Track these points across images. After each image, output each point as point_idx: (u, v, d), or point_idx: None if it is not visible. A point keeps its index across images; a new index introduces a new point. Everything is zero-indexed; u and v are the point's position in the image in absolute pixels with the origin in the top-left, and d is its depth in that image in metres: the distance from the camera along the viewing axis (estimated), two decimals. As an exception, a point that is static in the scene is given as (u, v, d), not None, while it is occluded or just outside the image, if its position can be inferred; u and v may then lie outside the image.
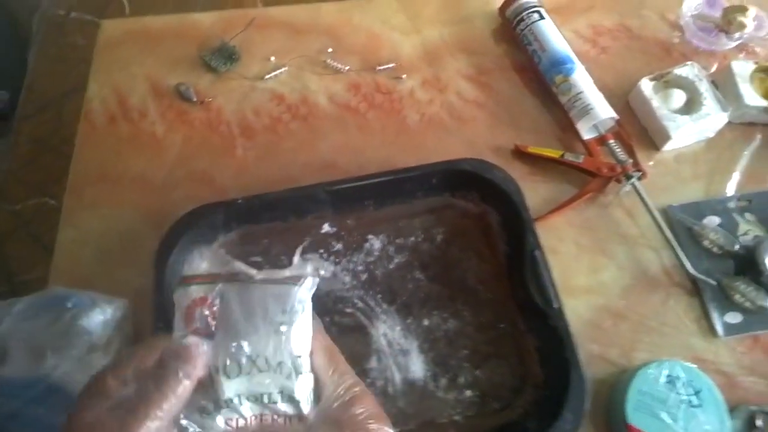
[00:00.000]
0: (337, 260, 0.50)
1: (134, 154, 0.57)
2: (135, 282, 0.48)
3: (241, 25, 0.65)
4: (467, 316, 0.48)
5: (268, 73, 0.62)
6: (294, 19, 0.66)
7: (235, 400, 0.29)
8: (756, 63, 0.59)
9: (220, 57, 0.63)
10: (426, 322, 0.48)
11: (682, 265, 0.50)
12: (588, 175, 0.54)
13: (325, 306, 0.48)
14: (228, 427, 0.29)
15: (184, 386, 0.27)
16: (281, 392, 0.30)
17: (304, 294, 0.31)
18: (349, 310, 0.48)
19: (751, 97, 0.57)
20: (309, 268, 0.32)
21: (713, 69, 0.63)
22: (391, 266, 0.50)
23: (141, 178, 0.55)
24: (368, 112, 0.60)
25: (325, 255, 0.51)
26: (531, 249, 0.47)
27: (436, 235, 0.52)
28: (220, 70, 0.62)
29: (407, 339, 0.47)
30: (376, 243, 0.51)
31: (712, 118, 0.56)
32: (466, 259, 0.50)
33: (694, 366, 0.44)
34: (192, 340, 0.29)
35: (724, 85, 0.59)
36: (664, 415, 0.43)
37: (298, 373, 0.30)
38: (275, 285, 0.31)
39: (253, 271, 0.32)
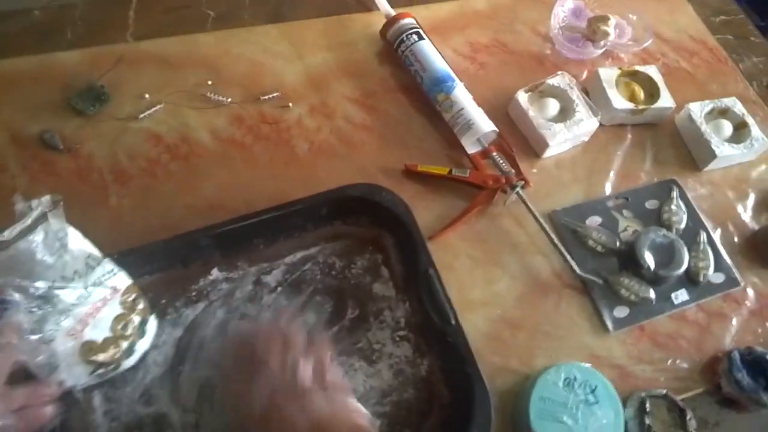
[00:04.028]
0: (232, 305, 0.48)
1: (-9, 213, 0.51)
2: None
3: (109, 63, 0.61)
4: (370, 344, 0.47)
5: (142, 112, 0.58)
6: (168, 53, 0.62)
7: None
8: (620, 69, 0.64)
9: (88, 98, 0.58)
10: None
11: (570, 267, 0.52)
12: (476, 189, 0.55)
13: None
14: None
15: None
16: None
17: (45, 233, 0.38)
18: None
19: (618, 100, 0.61)
20: (38, 209, 0.38)
21: (584, 76, 0.67)
22: (288, 301, 0.48)
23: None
24: (254, 144, 0.58)
25: (218, 302, 0.48)
26: (424, 268, 0.47)
27: (332, 264, 0.50)
28: (89, 112, 0.58)
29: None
30: (270, 281, 0.49)
31: (585, 123, 0.59)
32: (365, 285, 0.50)
33: (588, 365, 0.46)
34: None
35: (593, 91, 0.63)
36: (565, 418, 0.44)
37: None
38: (24, 240, 0.37)
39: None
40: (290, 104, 0.60)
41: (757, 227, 0.58)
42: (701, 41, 0.71)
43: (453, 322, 0.45)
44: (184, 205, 0.54)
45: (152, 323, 0.45)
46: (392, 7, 0.67)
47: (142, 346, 0.45)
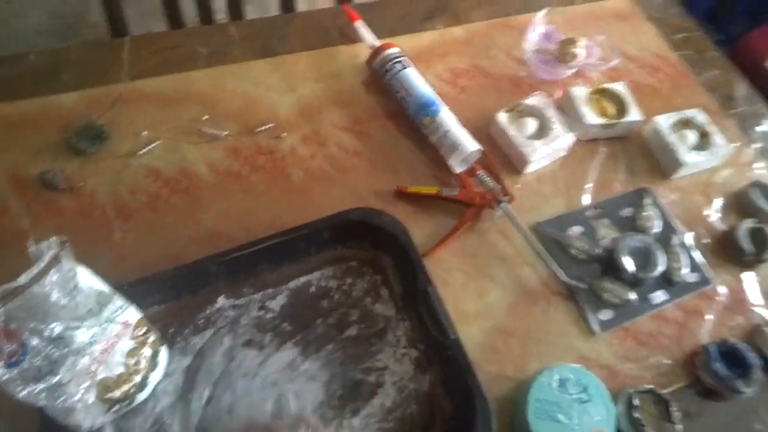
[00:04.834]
0: (238, 331, 0.50)
1: (-1, 254, 0.53)
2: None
3: (107, 103, 0.63)
4: (373, 362, 0.50)
5: (141, 149, 0.61)
6: (164, 91, 0.65)
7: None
8: (590, 87, 0.68)
9: (88, 138, 0.61)
10: (331, 373, 0.49)
11: (556, 275, 0.55)
12: (465, 206, 0.59)
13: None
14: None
15: None
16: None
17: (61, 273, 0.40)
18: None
19: (590, 117, 0.65)
20: (50, 251, 0.40)
21: (558, 95, 0.71)
22: (293, 325, 0.51)
23: (8, 280, 0.51)
24: (251, 174, 0.60)
25: (224, 329, 0.50)
26: (423, 287, 0.50)
27: (334, 287, 0.53)
28: (89, 151, 0.60)
29: (313, 393, 0.48)
30: (275, 306, 0.51)
31: (562, 139, 0.63)
32: (366, 306, 0.52)
33: (579, 365, 0.49)
34: None
35: (567, 109, 0.68)
36: (561, 417, 0.47)
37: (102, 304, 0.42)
38: (39, 284, 0.39)
39: (16, 282, 0.38)
40: (284, 134, 0.63)
41: (725, 228, 0.62)
42: (664, 58, 0.77)
43: (452, 337, 0.47)
44: (187, 236, 0.56)
45: (163, 354, 0.47)
46: (380, 36, 0.71)
47: (155, 377, 0.46)
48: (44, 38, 1.17)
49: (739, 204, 0.64)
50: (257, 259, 0.52)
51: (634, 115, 0.66)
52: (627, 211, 0.62)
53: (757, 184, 0.64)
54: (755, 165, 0.68)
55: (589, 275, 0.57)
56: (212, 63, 0.68)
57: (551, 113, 0.65)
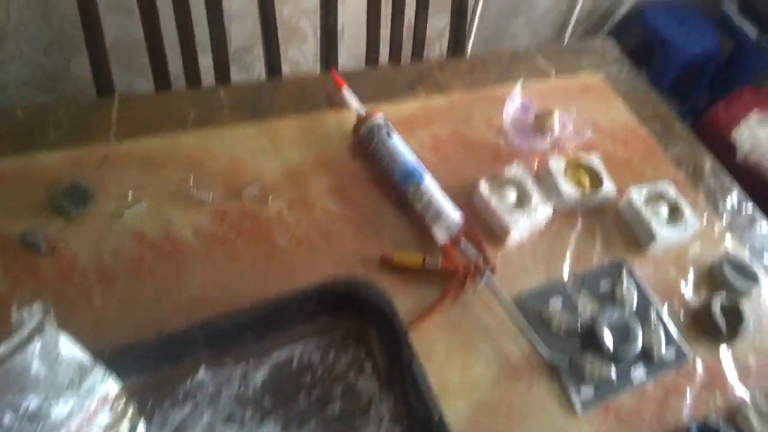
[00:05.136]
0: (218, 406, 0.49)
1: (-30, 321, 0.51)
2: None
3: (93, 162, 0.63)
4: (356, 438, 0.49)
5: (126, 211, 0.60)
6: (150, 152, 0.65)
7: None
8: (566, 159, 0.71)
9: (72, 198, 0.60)
10: (316, 454, 0.48)
11: (537, 350, 0.56)
12: (448, 276, 0.60)
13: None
14: None
15: None
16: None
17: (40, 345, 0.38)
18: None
19: (567, 188, 0.68)
20: (33, 319, 0.38)
21: (536, 165, 0.74)
22: (275, 400, 0.50)
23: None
24: (236, 240, 0.60)
25: (204, 403, 0.49)
26: (408, 362, 0.49)
27: (317, 360, 0.52)
28: (73, 212, 0.59)
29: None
30: (257, 378, 0.51)
31: (540, 210, 0.65)
32: (349, 380, 0.52)
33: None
34: None
35: (545, 179, 0.70)
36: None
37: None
38: (20, 354, 0.37)
39: None
40: (270, 199, 0.64)
41: (698, 301, 0.65)
42: (633, 131, 0.81)
43: (436, 417, 0.46)
44: (169, 302, 0.55)
45: (141, 429, 0.46)
46: (364, 103, 0.73)
47: None
48: (25, 90, 1.17)
49: (712, 278, 0.67)
50: (240, 328, 0.51)
51: (608, 188, 0.69)
52: (606, 284, 0.64)
53: (728, 259, 0.67)
54: (724, 239, 0.71)
55: (571, 349, 0.57)
56: (200, 125, 0.69)
57: (530, 184, 0.67)
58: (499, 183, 0.68)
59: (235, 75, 0.96)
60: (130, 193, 0.62)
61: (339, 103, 0.74)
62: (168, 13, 0.86)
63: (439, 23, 1.35)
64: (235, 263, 0.59)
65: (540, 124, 0.75)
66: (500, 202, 0.66)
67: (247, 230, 0.61)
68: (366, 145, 0.69)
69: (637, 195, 0.70)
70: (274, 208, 0.64)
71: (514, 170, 0.69)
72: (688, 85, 1.66)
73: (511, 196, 0.67)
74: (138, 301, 0.55)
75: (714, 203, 0.75)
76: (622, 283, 0.64)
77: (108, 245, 0.58)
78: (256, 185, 0.65)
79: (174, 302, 0.55)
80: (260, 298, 0.51)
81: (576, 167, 0.72)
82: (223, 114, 0.71)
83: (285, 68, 0.99)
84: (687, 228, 0.68)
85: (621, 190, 0.70)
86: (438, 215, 0.62)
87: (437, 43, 1.52)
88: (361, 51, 0.99)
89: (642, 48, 1.62)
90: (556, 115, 0.76)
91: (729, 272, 0.66)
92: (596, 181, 0.71)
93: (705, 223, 0.72)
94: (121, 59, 0.96)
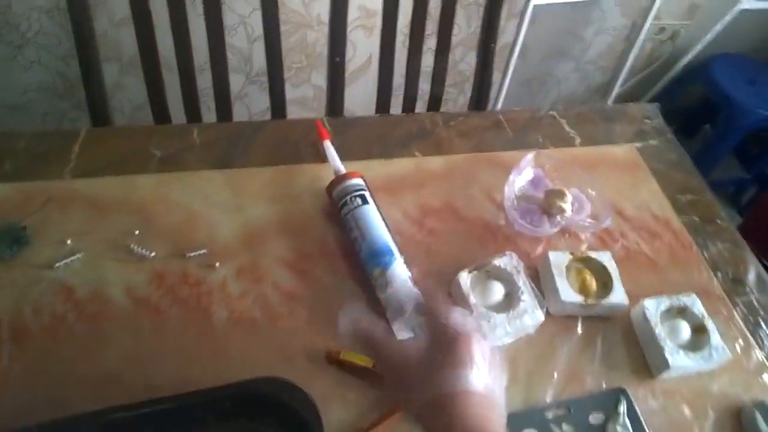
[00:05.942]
0: None
1: None
2: None
3: (38, 202, 0.58)
4: None
5: (60, 261, 0.55)
6: (101, 194, 0.60)
7: None
8: (572, 254, 0.60)
9: (5, 241, 0.55)
10: None
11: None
12: (400, 387, 0.50)
13: None
14: None
15: None
16: None
17: None
18: None
19: (567, 292, 0.57)
20: None
21: (538, 251, 0.63)
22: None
23: None
24: (170, 309, 0.53)
25: None
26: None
27: (223, 473, 0.44)
28: (5, 255, 0.54)
29: None
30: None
31: (530, 315, 0.55)
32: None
33: None
34: None
35: (543, 276, 0.60)
36: None
37: None
38: None
39: None
40: (217, 264, 0.57)
41: (715, 454, 0.52)
42: (665, 221, 0.68)
43: None
44: (80, 376, 0.49)
45: None
46: (352, 157, 0.65)
47: None
48: (45, 95, 1.19)
49: (738, 426, 0.53)
50: (143, 422, 0.44)
51: (618, 296, 0.58)
52: (596, 417, 0.52)
53: (763, 406, 0.53)
54: (763, 376, 0.57)
55: (535, 502, 0.47)
56: (163, 168, 0.64)
57: (522, 281, 0.57)
58: (486, 274, 0.58)
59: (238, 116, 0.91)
60: (69, 241, 0.56)
61: (323, 157, 0.66)
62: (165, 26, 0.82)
63: (466, 66, 1.25)
64: (162, 339, 0.52)
65: (549, 204, 0.64)
66: (482, 298, 0.56)
67: (184, 299, 0.54)
68: (338, 210, 0.61)
69: (653, 306, 0.57)
70: (219, 274, 0.56)
71: (506, 261, 0.58)
72: (756, 151, 1.47)
73: (498, 292, 0.57)
74: (46, 371, 0.49)
75: (755, 326, 0.61)
76: (618, 418, 0.52)
77: (31, 298, 0.52)
78: (205, 246, 0.58)
79: (84, 378, 0.49)
80: (175, 388, 0.44)
81: (583, 265, 0.60)
82: (191, 157, 0.65)
83: (297, 94, 0.92)
84: (712, 356, 0.55)
85: (636, 296, 0.58)
86: (399, 311, 0.53)
87: (461, 91, 1.42)
88: (372, 95, 0.91)
89: (704, 105, 1.44)
90: (569, 197, 0.64)
91: (764, 424, 0.52)
92: (606, 284, 0.59)
93: (739, 351, 0.58)
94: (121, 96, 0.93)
